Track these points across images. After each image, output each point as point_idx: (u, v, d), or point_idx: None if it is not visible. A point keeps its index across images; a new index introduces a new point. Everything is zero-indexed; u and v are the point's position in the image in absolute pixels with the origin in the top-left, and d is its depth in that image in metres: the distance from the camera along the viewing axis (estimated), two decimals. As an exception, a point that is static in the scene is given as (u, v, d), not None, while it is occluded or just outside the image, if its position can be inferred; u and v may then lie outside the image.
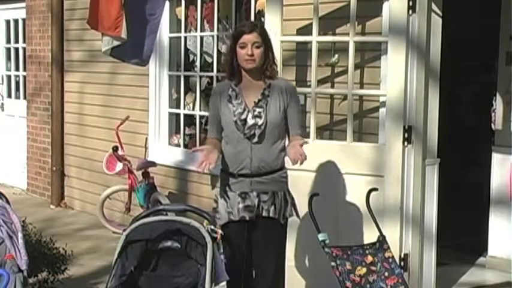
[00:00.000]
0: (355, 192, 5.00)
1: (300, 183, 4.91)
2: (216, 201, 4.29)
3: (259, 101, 4.16)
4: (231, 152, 4.18)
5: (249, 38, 4.09)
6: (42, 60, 9.31)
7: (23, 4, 9.64)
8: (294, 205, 4.30)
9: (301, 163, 3.90)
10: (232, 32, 4.28)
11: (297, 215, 4.34)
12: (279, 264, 4.26)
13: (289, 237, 4.42)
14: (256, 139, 4.12)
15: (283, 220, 4.22)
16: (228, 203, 4.18)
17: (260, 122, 4.12)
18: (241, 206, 4.15)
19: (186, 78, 7.49)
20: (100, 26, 6.25)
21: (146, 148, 7.58)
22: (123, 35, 6.09)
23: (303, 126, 4.42)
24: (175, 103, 7.57)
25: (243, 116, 4.14)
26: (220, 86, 4.38)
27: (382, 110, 5.20)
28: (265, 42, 4.15)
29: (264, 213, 4.16)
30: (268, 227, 4.18)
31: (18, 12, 9.94)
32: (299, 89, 5.62)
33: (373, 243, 4.38)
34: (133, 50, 6.38)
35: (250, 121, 4.13)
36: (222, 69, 4.49)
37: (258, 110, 4.14)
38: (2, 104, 10.36)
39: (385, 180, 4.98)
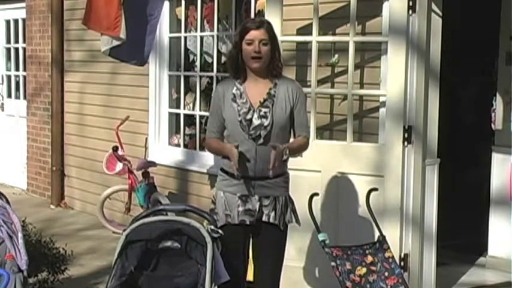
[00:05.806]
0: (355, 192, 5.01)
1: (300, 183, 4.91)
2: (213, 202, 4.19)
3: (265, 100, 4.02)
4: None
5: (256, 34, 3.98)
6: (42, 60, 9.31)
7: (23, 4, 9.64)
8: (294, 211, 4.17)
9: (272, 170, 3.86)
10: (239, 27, 4.14)
11: (297, 221, 4.19)
12: (277, 270, 4.16)
13: (289, 237, 4.41)
14: (261, 140, 3.98)
15: (283, 226, 4.10)
16: (227, 205, 4.06)
17: (266, 122, 3.99)
18: (241, 209, 4.03)
19: (186, 78, 7.48)
20: (99, 26, 6.26)
21: (146, 148, 7.57)
22: (122, 35, 6.10)
23: (308, 126, 4.28)
24: (175, 103, 7.57)
25: (249, 116, 4.00)
26: (224, 84, 4.17)
27: (382, 110, 5.20)
28: (272, 40, 4.03)
29: (264, 218, 4.04)
30: (268, 232, 4.07)
31: (18, 12, 9.94)
32: (299, 89, 5.66)
33: (373, 243, 4.37)
34: (132, 50, 6.39)
35: (256, 121, 3.99)
36: (227, 65, 4.33)
37: (264, 110, 4.01)
38: (2, 104, 10.36)
39: (385, 180, 4.98)
